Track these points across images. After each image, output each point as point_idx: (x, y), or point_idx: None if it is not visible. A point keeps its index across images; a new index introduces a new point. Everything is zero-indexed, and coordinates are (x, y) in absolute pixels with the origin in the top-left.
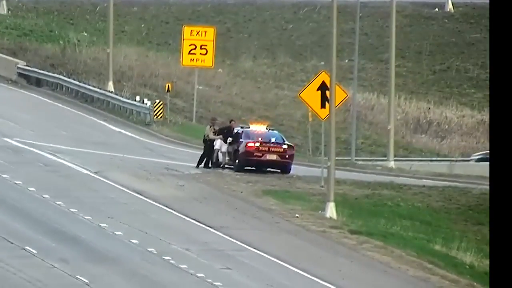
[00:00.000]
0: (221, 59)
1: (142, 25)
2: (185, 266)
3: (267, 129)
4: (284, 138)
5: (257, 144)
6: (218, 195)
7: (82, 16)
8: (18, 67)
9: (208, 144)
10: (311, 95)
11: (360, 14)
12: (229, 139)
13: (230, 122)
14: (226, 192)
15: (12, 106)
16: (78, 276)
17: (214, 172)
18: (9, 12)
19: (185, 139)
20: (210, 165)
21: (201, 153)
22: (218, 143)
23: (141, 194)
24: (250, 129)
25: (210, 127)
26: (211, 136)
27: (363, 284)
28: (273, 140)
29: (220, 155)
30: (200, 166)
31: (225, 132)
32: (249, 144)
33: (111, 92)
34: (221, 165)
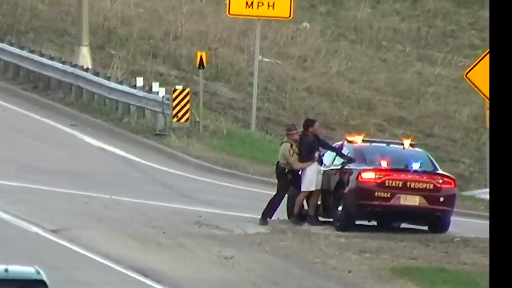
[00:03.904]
0: (309, 2)
1: None
2: None
3: (402, 146)
4: (435, 162)
5: (382, 175)
6: (303, 277)
7: None
8: None
9: (290, 179)
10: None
11: None
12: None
13: (308, 127)
14: (319, 271)
15: None
16: None
17: (294, 230)
18: None
19: (235, 163)
20: (297, 217)
21: (274, 194)
22: (310, 173)
23: (146, 276)
24: (365, 145)
25: (291, 146)
26: (295, 163)
27: None
28: (414, 167)
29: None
30: (270, 218)
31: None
32: (366, 175)
33: (86, 69)
34: (307, 217)
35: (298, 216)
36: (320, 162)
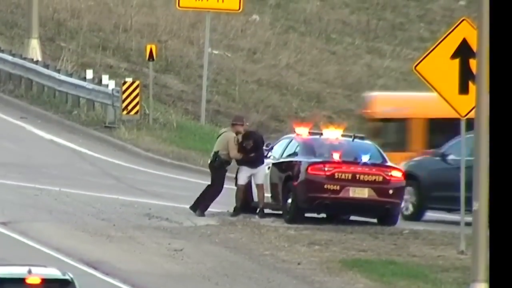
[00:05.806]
0: None
1: None
2: None
3: (351, 138)
4: (384, 154)
5: (332, 167)
6: (252, 269)
7: None
8: None
9: (222, 171)
10: (439, 69)
11: None
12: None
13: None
14: (268, 263)
15: None
16: None
17: (244, 222)
18: None
19: (185, 156)
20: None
21: (209, 185)
22: (245, 171)
23: (96, 268)
24: (315, 138)
25: (237, 138)
26: (233, 152)
27: None
28: (364, 159)
29: (254, 190)
30: (202, 209)
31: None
32: (315, 167)
33: (36, 62)
34: (258, 210)
35: (239, 210)
36: (262, 162)
